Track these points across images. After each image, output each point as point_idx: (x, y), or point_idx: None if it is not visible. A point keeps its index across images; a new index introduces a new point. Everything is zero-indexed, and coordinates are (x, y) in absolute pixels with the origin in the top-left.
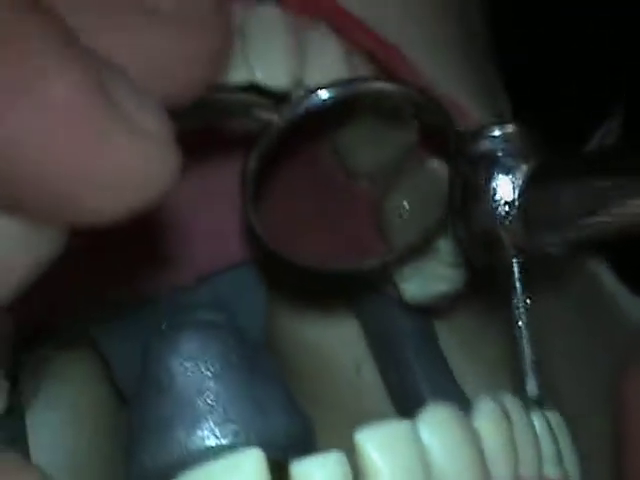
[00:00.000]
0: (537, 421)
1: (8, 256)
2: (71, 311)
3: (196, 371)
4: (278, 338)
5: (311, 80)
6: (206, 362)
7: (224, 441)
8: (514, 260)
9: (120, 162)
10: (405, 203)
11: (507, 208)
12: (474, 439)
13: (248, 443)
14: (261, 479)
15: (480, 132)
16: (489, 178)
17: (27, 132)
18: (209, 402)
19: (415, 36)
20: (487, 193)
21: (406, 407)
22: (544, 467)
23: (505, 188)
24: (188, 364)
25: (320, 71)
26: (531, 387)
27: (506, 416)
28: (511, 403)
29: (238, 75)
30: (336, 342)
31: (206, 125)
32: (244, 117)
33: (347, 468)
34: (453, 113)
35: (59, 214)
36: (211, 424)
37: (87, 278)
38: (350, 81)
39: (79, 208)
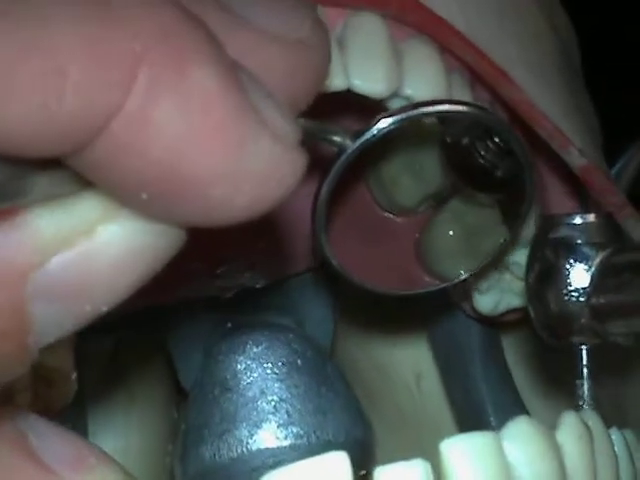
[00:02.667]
0: (616, 440)
1: (126, 258)
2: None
3: (261, 372)
4: (341, 345)
5: (408, 90)
6: (271, 364)
7: (285, 442)
8: (582, 346)
9: (262, 165)
10: (450, 232)
11: (580, 295)
12: (557, 454)
13: (309, 446)
14: None
15: (562, 218)
16: (566, 264)
17: (169, 123)
18: (272, 403)
19: (520, 59)
20: (562, 278)
21: (468, 421)
22: None
23: (580, 275)
24: (253, 365)
25: (418, 82)
26: (584, 396)
27: (589, 432)
28: (593, 420)
29: (337, 82)
30: (399, 352)
31: None
32: (320, 140)
33: (430, 477)
34: (555, 140)
35: (192, 213)
36: (274, 425)
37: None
38: (422, 104)
39: (217, 209)
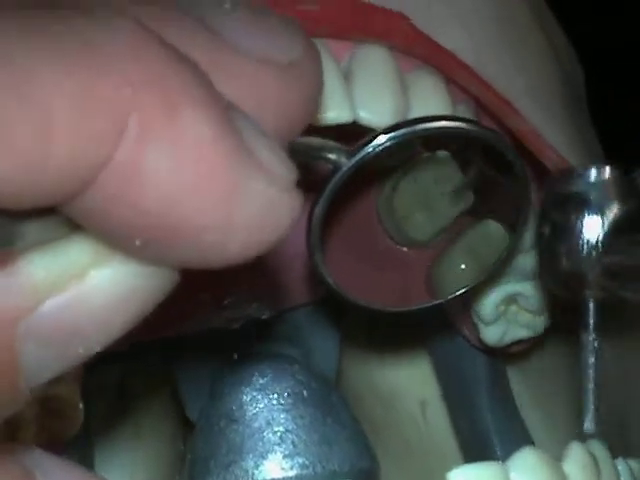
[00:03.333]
0: (622, 470)
1: (119, 301)
2: (147, 334)
3: (267, 403)
4: (345, 376)
5: (414, 115)
6: (277, 395)
7: (291, 473)
8: (590, 300)
9: (256, 210)
10: (463, 266)
11: (592, 248)
12: None
13: (315, 476)
14: None
15: (574, 172)
16: (578, 217)
17: (159, 171)
18: (278, 434)
19: (527, 91)
20: (574, 232)
21: (473, 450)
22: None
23: (593, 229)
24: (259, 396)
25: (424, 114)
26: (589, 423)
27: (595, 463)
28: (599, 451)
29: (343, 114)
30: (403, 381)
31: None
32: (315, 159)
33: None
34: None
35: (185, 259)
36: (279, 456)
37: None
38: (418, 120)
39: (210, 254)
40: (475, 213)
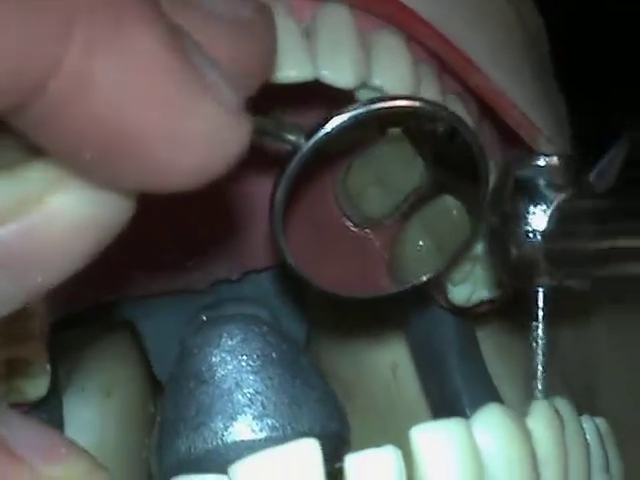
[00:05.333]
0: (587, 427)
1: (76, 228)
2: (113, 293)
3: (236, 365)
4: (316, 338)
5: (377, 80)
6: (246, 356)
7: (261, 435)
8: (539, 289)
9: (205, 126)
10: (421, 242)
11: (538, 237)
12: (527, 440)
13: (285, 438)
14: (316, 469)
15: (524, 159)
16: (526, 205)
17: (108, 80)
18: (248, 396)
19: (489, 49)
20: (521, 219)
21: (443, 411)
22: (593, 473)
23: (539, 217)
24: (228, 357)
25: (386, 72)
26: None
27: (560, 419)
28: (564, 407)
29: (305, 73)
30: (374, 343)
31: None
32: (273, 139)
33: (401, 464)
34: (524, 129)
35: (136, 175)
36: (249, 417)
37: (135, 262)
38: (377, 99)
39: (162, 171)
40: (433, 191)
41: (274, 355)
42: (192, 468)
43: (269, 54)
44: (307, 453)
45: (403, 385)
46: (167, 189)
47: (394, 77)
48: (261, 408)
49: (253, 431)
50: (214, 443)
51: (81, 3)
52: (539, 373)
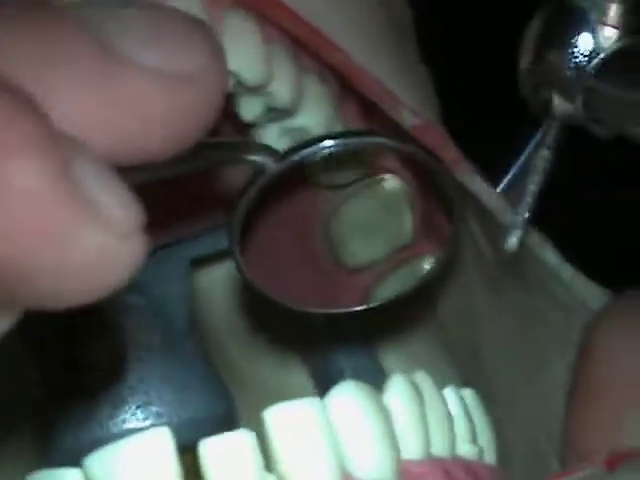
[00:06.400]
0: (451, 399)
1: None
2: None
3: (118, 354)
4: (205, 321)
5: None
6: (127, 345)
7: (146, 423)
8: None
9: (91, 257)
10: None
11: (582, 61)
12: (384, 415)
13: (170, 424)
14: (169, 458)
15: None
16: (576, 30)
17: None
18: (131, 385)
19: (345, 24)
20: (568, 44)
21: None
22: (458, 445)
23: (585, 45)
24: (109, 348)
25: (236, 56)
26: (512, 241)
27: (418, 393)
28: (423, 381)
29: None
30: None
31: (205, 168)
32: (239, 162)
33: (256, 447)
34: (386, 102)
35: (24, 304)
36: (133, 407)
37: None
38: (350, 133)
39: (44, 299)
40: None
41: (155, 343)
42: (78, 460)
43: (216, 106)
44: (159, 442)
45: (290, 365)
46: (53, 309)
47: (243, 58)
48: (144, 397)
49: (138, 420)
50: (99, 434)
51: None
52: (524, 207)
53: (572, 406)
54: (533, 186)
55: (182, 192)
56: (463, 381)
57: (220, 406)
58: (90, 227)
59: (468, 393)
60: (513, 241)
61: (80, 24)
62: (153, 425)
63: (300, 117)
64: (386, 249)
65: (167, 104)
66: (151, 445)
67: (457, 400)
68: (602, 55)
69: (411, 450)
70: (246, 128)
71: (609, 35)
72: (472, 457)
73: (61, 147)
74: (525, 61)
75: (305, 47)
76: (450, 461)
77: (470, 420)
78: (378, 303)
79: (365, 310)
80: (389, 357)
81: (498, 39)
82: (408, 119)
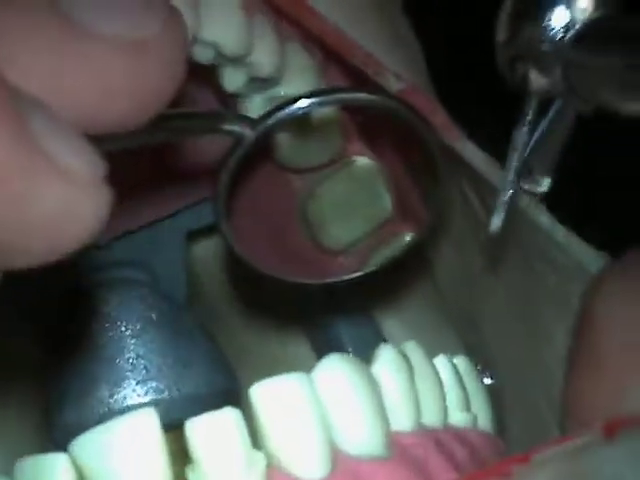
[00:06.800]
0: (443, 368)
1: None
2: None
3: (116, 330)
4: (206, 295)
5: (208, 36)
6: (126, 321)
7: (146, 398)
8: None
9: (46, 207)
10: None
11: (557, 34)
12: (372, 387)
13: (171, 399)
14: (156, 438)
15: None
16: (550, 3)
17: None
18: (130, 361)
19: None
20: (543, 16)
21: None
22: (451, 414)
23: (562, 16)
24: (107, 323)
25: (216, 26)
26: (497, 222)
27: (407, 363)
28: (413, 351)
29: None
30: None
31: (178, 139)
32: (215, 132)
33: (242, 424)
34: (370, 67)
35: None
36: (133, 382)
37: None
38: (323, 91)
39: (12, 256)
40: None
41: (154, 317)
42: None
43: (177, 71)
44: (145, 424)
45: (293, 338)
46: (24, 267)
47: (225, 30)
48: (144, 372)
49: (139, 395)
50: (101, 411)
51: None
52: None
53: (571, 373)
54: (514, 163)
55: (172, 166)
56: (463, 347)
57: (222, 378)
58: (48, 179)
59: (461, 361)
60: (497, 222)
61: None
62: (154, 400)
63: (284, 86)
64: (366, 227)
65: (125, 72)
66: (137, 427)
67: (449, 368)
68: (578, 27)
69: (401, 421)
70: (230, 98)
71: (584, 7)
72: (465, 425)
73: (16, 101)
74: (500, 37)
75: (287, 15)
76: (442, 431)
77: (463, 388)
78: (373, 269)
79: (361, 277)
80: (389, 325)
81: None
82: (394, 84)
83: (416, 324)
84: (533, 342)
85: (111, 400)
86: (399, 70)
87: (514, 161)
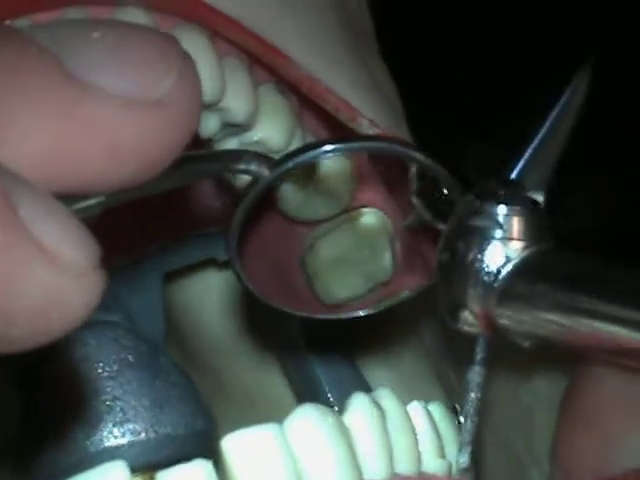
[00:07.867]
0: (417, 414)
1: None
2: None
3: (92, 372)
4: (185, 333)
5: None
6: (102, 363)
7: (123, 440)
8: (480, 336)
9: (32, 295)
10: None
11: (487, 284)
12: (345, 437)
13: (148, 440)
14: None
15: (484, 206)
16: (479, 251)
17: None
18: (107, 403)
19: (299, 35)
20: (472, 265)
21: (305, 397)
22: (425, 461)
23: (493, 261)
24: (83, 366)
25: None
26: (463, 458)
27: (380, 411)
28: (386, 398)
29: None
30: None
31: (197, 180)
32: (232, 172)
33: (213, 476)
34: (342, 113)
35: None
36: (109, 424)
37: None
38: (351, 139)
39: None
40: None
41: (130, 358)
42: None
43: (191, 126)
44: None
45: (272, 375)
46: (6, 354)
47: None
48: (121, 414)
49: (115, 437)
50: (77, 455)
51: None
52: (466, 431)
53: (561, 423)
54: (470, 405)
55: (149, 207)
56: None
57: (199, 419)
58: (35, 266)
59: (436, 406)
60: (464, 460)
61: (44, 50)
62: (131, 442)
63: (259, 130)
64: (364, 286)
65: (135, 131)
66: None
67: (424, 415)
68: (509, 268)
69: (374, 470)
70: (206, 143)
71: (516, 247)
72: (441, 472)
73: (4, 184)
74: (441, 287)
75: (257, 60)
76: (416, 479)
77: (438, 435)
78: (371, 312)
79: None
80: (375, 372)
81: None
82: (367, 129)
83: (403, 372)
84: (511, 381)
85: (88, 442)
86: (375, 114)
87: (470, 407)
